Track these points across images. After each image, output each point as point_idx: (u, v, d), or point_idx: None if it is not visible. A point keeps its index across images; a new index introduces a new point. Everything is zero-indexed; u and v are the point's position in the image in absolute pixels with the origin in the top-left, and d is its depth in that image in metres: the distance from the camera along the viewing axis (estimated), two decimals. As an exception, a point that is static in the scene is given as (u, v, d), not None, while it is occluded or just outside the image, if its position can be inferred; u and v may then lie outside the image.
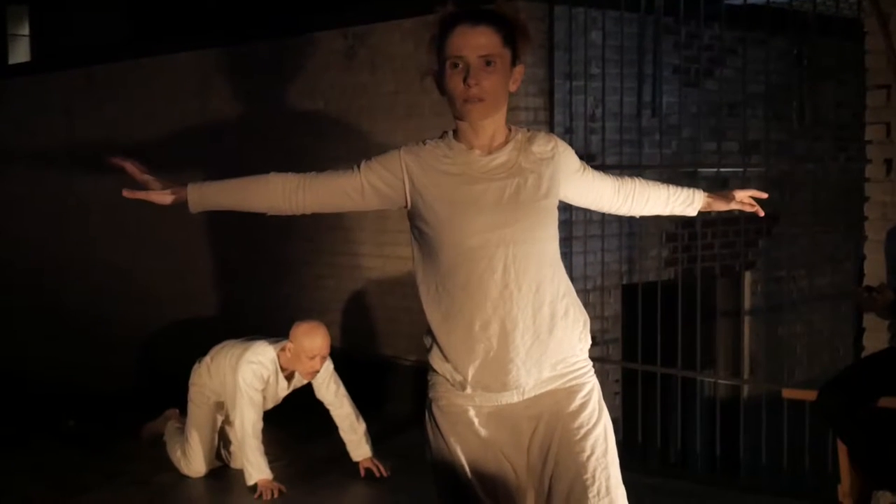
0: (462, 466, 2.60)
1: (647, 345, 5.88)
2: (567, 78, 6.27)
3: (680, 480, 5.43)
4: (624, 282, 6.54)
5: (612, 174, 2.90)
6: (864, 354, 5.01)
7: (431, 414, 2.67)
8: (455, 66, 2.50)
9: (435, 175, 2.56)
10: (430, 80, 2.62)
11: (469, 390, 2.59)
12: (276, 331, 5.40)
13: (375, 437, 5.33)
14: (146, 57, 8.80)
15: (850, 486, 4.39)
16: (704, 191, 3.02)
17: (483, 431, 2.61)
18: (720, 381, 6.90)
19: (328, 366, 5.27)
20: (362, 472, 5.28)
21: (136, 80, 8.89)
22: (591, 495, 2.55)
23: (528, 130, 2.67)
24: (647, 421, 6.01)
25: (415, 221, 2.62)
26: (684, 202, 2.95)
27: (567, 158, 2.68)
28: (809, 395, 4.54)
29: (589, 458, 2.57)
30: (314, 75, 7.38)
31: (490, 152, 2.58)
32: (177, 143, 8.31)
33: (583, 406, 2.62)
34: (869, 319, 5.06)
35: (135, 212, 6.60)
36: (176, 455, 5.43)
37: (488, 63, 2.49)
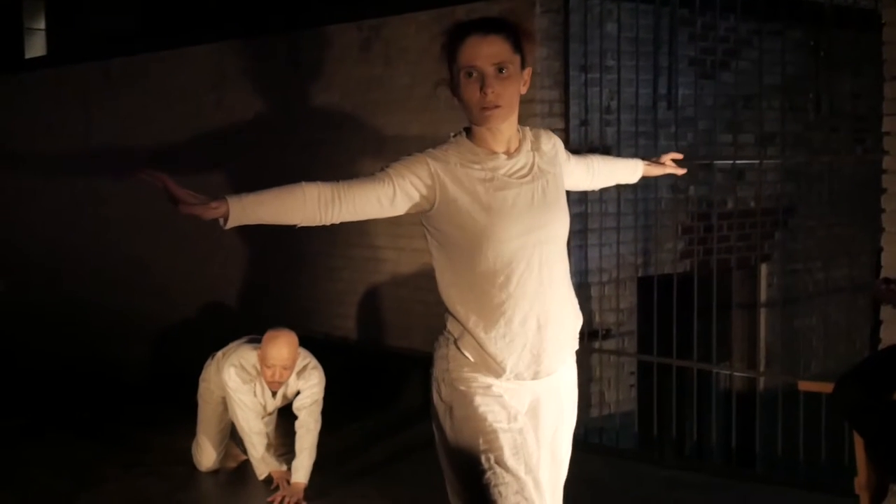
0: (493, 432, 2.62)
1: (663, 337, 5.86)
2: (582, 70, 6.25)
3: (696, 473, 5.42)
4: (640, 274, 6.52)
5: (576, 154, 3.06)
6: (880, 347, 4.99)
7: (455, 388, 2.68)
8: (469, 75, 2.57)
9: (467, 181, 2.61)
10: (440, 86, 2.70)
11: (503, 379, 2.68)
12: (289, 324, 5.38)
13: (386, 429, 5.28)
14: (163, 50, 8.83)
15: (867, 478, 4.38)
16: (689, 172, 3.28)
17: (510, 404, 2.68)
18: (736, 373, 6.89)
19: (315, 395, 4.96)
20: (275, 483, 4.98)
21: (153, 74, 8.92)
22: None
23: (530, 129, 2.78)
24: (663, 413, 6.00)
25: (441, 226, 2.64)
26: (629, 171, 3.26)
27: (561, 152, 2.86)
28: (826, 387, 4.52)
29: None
30: (329, 68, 7.38)
31: (511, 155, 2.68)
32: (193, 136, 8.33)
33: (574, 378, 2.87)
34: (886, 311, 5.04)
35: (151, 204, 6.62)
36: (192, 448, 5.45)
37: (501, 70, 2.57)
